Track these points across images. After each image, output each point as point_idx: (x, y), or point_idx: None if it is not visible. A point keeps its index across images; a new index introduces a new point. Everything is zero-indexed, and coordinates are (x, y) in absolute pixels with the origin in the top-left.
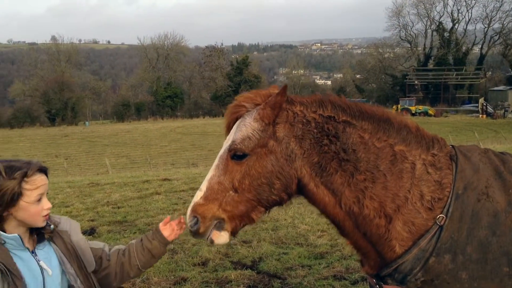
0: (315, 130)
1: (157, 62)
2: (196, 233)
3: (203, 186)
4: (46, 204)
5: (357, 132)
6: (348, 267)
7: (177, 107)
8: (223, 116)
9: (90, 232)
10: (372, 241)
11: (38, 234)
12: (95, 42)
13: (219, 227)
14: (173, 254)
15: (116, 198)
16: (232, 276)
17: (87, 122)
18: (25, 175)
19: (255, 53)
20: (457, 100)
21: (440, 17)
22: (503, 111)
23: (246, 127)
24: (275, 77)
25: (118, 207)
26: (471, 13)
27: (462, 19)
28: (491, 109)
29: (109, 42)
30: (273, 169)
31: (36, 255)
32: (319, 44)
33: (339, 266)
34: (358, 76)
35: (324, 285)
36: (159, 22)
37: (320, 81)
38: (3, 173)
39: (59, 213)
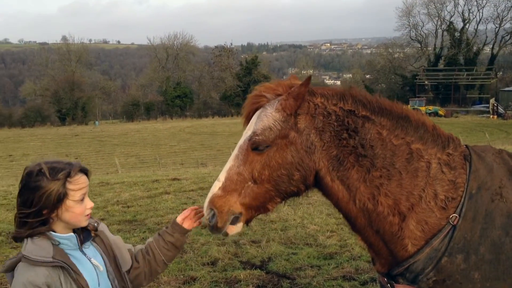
0: (335, 123)
1: (167, 62)
2: (213, 228)
3: (222, 177)
4: (88, 203)
5: (375, 128)
6: (358, 268)
7: (186, 107)
8: (232, 116)
9: None
10: (384, 239)
11: (83, 234)
12: (105, 42)
13: (235, 221)
14: (182, 253)
15: (126, 198)
16: (241, 276)
17: (97, 122)
18: (68, 175)
19: (265, 53)
20: (467, 101)
21: (451, 17)
22: None
23: (268, 118)
24: (284, 77)
25: (128, 207)
26: (482, 12)
27: (473, 19)
28: (502, 109)
29: (119, 42)
30: (293, 160)
31: (85, 253)
32: (328, 44)
33: (349, 266)
34: (367, 76)
35: (333, 285)
36: (169, 22)
37: (329, 81)
38: (48, 175)
39: None
